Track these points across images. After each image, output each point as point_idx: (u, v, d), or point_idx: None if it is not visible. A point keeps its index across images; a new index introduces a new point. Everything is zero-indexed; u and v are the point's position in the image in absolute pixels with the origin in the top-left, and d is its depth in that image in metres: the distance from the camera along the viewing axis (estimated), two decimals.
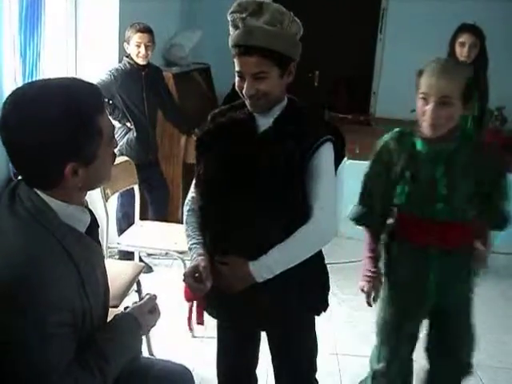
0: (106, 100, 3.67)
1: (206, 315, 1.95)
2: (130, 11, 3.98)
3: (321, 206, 1.72)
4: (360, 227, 2.22)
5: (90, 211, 1.53)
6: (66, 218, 1.39)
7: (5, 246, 1.33)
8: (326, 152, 1.75)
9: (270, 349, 2.00)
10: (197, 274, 1.74)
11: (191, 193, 1.95)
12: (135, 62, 3.70)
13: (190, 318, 1.93)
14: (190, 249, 1.85)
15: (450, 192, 2.01)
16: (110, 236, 3.20)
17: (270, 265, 1.70)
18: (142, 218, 3.63)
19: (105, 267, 1.59)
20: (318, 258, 1.89)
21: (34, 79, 3.16)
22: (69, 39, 3.85)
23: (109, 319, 1.60)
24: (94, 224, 1.54)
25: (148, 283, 3.26)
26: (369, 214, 2.20)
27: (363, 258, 2.29)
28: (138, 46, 3.64)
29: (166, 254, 3.34)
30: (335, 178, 1.79)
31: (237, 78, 1.75)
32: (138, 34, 3.62)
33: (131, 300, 2.71)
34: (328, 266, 1.97)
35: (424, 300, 2.17)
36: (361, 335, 3.39)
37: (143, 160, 3.82)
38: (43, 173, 1.35)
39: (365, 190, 2.17)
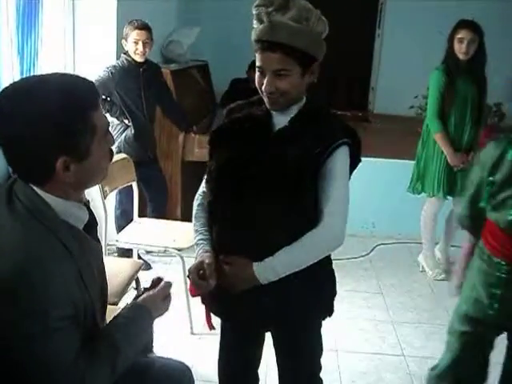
0: (104, 97, 3.67)
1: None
2: (127, 8, 3.97)
3: (332, 211, 1.68)
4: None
5: (89, 209, 1.53)
6: (64, 215, 1.39)
7: (4, 242, 1.33)
8: (342, 155, 1.71)
9: (275, 348, 1.98)
10: (201, 271, 1.73)
11: (202, 187, 1.93)
12: (133, 59, 3.69)
13: (208, 316, 1.92)
14: (196, 244, 1.83)
15: None
16: (108, 233, 3.20)
17: (274, 267, 1.68)
18: (140, 216, 3.63)
19: (103, 265, 1.59)
20: (326, 262, 1.87)
21: None
22: (66, 36, 3.84)
23: (107, 318, 1.60)
24: (92, 222, 1.53)
25: (147, 280, 3.25)
26: (464, 216, 2.17)
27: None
28: (136, 43, 3.63)
29: (165, 251, 3.34)
30: (348, 182, 1.75)
31: (257, 73, 1.72)
32: (136, 31, 3.61)
33: (130, 297, 2.73)
34: None
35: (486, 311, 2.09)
36: (360, 332, 3.40)
37: (142, 157, 3.82)
38: (34, 166, 1.35)
39: (464, 192, 2.17)
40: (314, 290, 1.83)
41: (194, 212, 1.92)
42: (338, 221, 1.70)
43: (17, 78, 3.01)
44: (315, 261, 1.72)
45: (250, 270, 1.68)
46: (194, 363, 2.62)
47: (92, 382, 1.36)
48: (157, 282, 1.65)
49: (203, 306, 1.94)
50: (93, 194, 2.84)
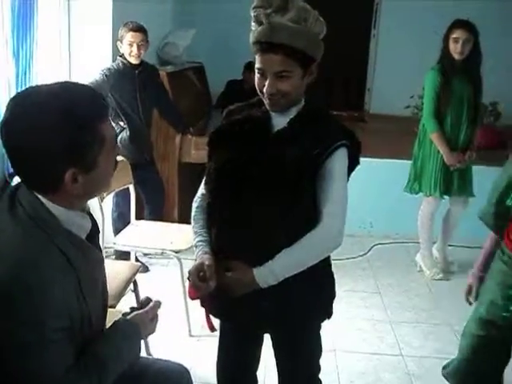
0: None
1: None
2: (123, 10, 3.97)
3: (330, 212, 1.68)
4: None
5: (92, 217, 1.52)
6: (67, 224, 1.39)
7: (3, 248, 1.32)
8: (341, 157, 1.71)
9: (274, 350, 1.98)
10: (201, 273, 1.72)
11: (201, 189, 1.92)
12: (128, 62, 3.68)
13: (208, 317, 1.91)
14: (195, 246, 1.82)
15: None
16: (105, 236, 3.19)
17: (274, 271, 1.68)
18: (137, 218, 3.63)
19: (105, 273, 1.59)
20: (326, 264, 1.87)
21: (27, 80, 3.15)
22: (62, 39, 3.83)
23: (107, 319, 1.60)
24: (94, 230, 1.53)
25: (144, 283, 3.25)
26: (489, 214, 2.14)
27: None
28: (131, 45, 3.63)
29: (162, 253, 3.33)
30: (346, 183, 1.75)
31: (257, 75, 1.72)
32: (131, 33, 3.61)
33: (128, 300, 2.73)
34: None
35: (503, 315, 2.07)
36: (358, 332, 3.40)
37: (138, 159, 3.81)
38: (42, 178, 1.34)
39: (492, 189, 2.14)
40: (314, 292, 1.83)
41: (192, 214, 1.92)
42: (337, 222, 1.70)
43: (12, 81, 3.00)
44: (315, 262, 1.72)
45: (251, 275, 1.68)
46: (193, 365, 2.61)
47: None
48: (145, 302, 1.64)
49: (202, 308, 1.93)
50: None
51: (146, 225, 3.65)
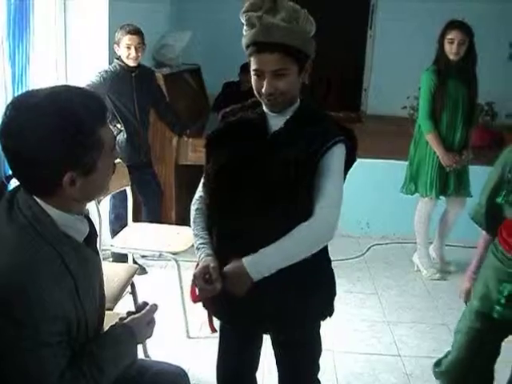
0: None
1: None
2: (119, 13, 3.97)
3: (323, 205, 1.68)
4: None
5: (90, 221, 1.52)
6: (65, 228, 1.39)
7: (1, 251, 1.32)
8: (337, 152, 1.72)
9: (274, 349, 1.98)
10: (207, 275, 1.71)
11: (199, 192, 1.93)
12: (125, 64, 3.69)
13: (210, 319, 1.91)
14: (197, 248, 1.81)
15: None
16: (103, 238, 3.19)
17: (264, 260, 1.66)
18: (134, 220, 3.63)
19: (102, 277, 1.59)
20: (326, 262, 1.88)
21: (23, 83, 3.15)
22: (58, 42, 3.83)
23: (105, 322, 1.60)
24: (92, 233, 1.53)
25: (142, 285, 3.25)
26: (480, 213, 2.18)
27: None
28: (128, 48, 3.64)
29: (160, 255, 3.34)
30: (342, 179, 1.76)
31: (253, 77, 1.73)
32: (128, 36, 3.62)
33: (125, 302, 2.73)
34: None
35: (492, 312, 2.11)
36: (356, 332, 3.41)
37: (135, 161, 3.82)
38: (41, 181, 1.34)
39: (482, 189, 2.17)
40: (314, 291, 1.83)
41: (192, 216, 1.91)
42: (328, 214, 1.70)
43: (8, 84, 3.00)
44: (307, 253, 1.70)
45: (240, 264, 1.66)
46: (191, 367, 2.62)
47: None
48: (142, 306, 1.64)
49: (202, 310, 1.94)
50: None
51: (144, 227, 3.65)
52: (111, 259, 3.89)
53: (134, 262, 3.78)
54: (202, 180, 1.89)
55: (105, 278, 1.63)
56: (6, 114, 1.32)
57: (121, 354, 1.50)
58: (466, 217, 2.33)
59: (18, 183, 1.41)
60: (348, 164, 1.78)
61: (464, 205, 3.98)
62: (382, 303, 3.79)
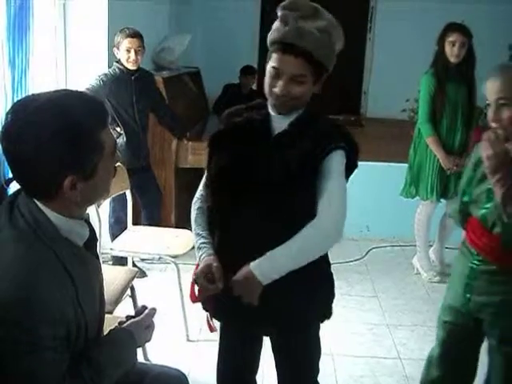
0: None
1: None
2: (118, 16, 3.98)
3: (326, 207, 1.68)
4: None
5: (90, 225, 1.53)
6: (65, 232, 1.39)
7: (2, 256, 1.32)
8: (338, 157, 1.72)
9: (274, 352, 1.98)
10: (209, 275, 1.71)
11: (200, 191, 1.93)
12: (125, 67, 3.69)
13: (209, 319, 1.92)
14: (198, 248, 1.81)
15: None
16: (102, 242, 3.19)
17: (271, 264, 1.65)
18: (134, 223, 3.63)
19: (102, 281, 1.59)
20: (325, 264, 1.88)
21: (23, 87, 3.15)
22: (58, 45, 3.84)
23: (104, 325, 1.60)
24: (92, 238, 1.53)
25: (142, 288, 3.25)
26: (455, 212, 2.21)
27: None
28: (128, 51, 3.64)
29: (160, 258, 3.34)
30: (345, 180, 1.76)
31: (269, 74, 1.72)
32: (128, 39, 3.62)
33: (125, 305, 2.73)
34: None
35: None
36: (356, 335, 3.40)
37: (135, 165, 3.81)
38: (41, 184, 1.34)
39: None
40: (313, 292, 1.83)
41: (193, 216, 1.91)
42: (332, 215, 1.69)
43: (8, 87, 3.00)
44: (314, 255, 1.70)
45: (248, 269, 1.66)
46: (191, 370, 2.62)
47: None
48: (141, 310, 1.64)
49: (201, 312, 1.94)
50: None
51: (143, 230, 3.65)
52: (111, 262, 3.89)
53: (134, 265, 3.78)
54: (204, 179, 1.89)
55: (104, 282, 1.63)
56: (7, 117, 1.32)
57: (120, 358, 1.50)
58: None
59: (18, 187, 1.41)
60: (349, 170, 1.78)
61: None
62: (381, 306, 3.79)
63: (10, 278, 1.29)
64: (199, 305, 1.88)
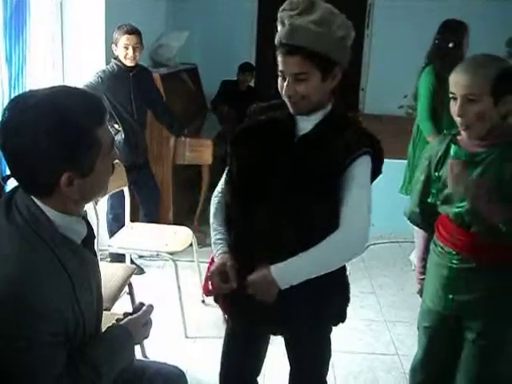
0: None
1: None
2: (116, 13, 3.97)
3: (351, 216, 1.65)
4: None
5: (88, 222, 1.53)
6: (63, 229, 1.39)
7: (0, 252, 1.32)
8: (363, 164, 1.70)
9: (286, 349, 1.98)
10: (223, 273, 1.71)
11: (220, 185, 1.90)
12: (123, 64, 3.68)
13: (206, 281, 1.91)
14: (214, 243, 1.81)
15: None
16: (100, 239, 3.19)
17: (292, 270, 1.64)
18: (132, 220, 3.63)
19: (99, 278, 1.59)
20: (341, 268, 1.84)
21: (20, 84, 3.15)
22: (55, 42, 3.83)
23: (102, 322, 1.60)
24: (90, 235, 1.53)
25: (140, 285, 3.25)
26: (415, 213, 2.18)
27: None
28: (126, 48, 3.63)
29: (158, 255, 3.34)
30: (370, 190, 1.74)
31: (279, 78, 1.71)
32: (126, 36, 3.61)
33: (123, 302, 2.73)
34: None
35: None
36: (354, 332, 3.41)
37: (132, 162, 3.81)
38: (39, 181, 1.34)
39: (412, 190, 2.18)
40: (327, 296, 1.81)
41: (212, 210, 1.89)
42: (357, 225, 1.67)
43: (5, 84, 3.00)
44: (336, 265, 1.70)
45: (268, 273, 1.63)
46: (189, 367, 2.62)
47: None
48: (139, 307, 1.64)
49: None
50: None
51: (141, 227, 3.65)
52: (109, 259, 3.89)
53: (132, 262, 3.79)
54: (224, 175, 1.87)
55: (102, 279, 1.63)
56: (4, 113, 1.32)
57: (118, 355, 1.50)
58: None
59: (15, 184, 1.41)
60: (373, 176, 1.77)
61: None
62: (379, 302, 3.80)
63: (6, 273, 1.28)
64: (198, 302, 1.88)
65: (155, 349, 2.93)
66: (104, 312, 1.67)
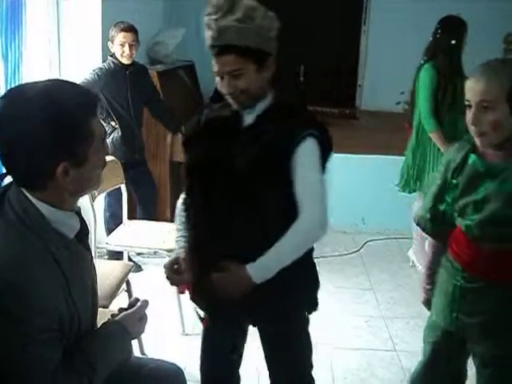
0: None
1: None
2: (112, 10, 3.96)
3: (307, 203, 1.71)
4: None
5: (81, 217, 1.53)
6: (55, 223, 1.39)
7: None
8: (309, 147, 1.73)
9: (263, 346, 1.99)
10: (176, 266, 1.80)
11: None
12: (119, 62, 3.68)
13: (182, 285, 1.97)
14: (176, 241, 1.91)
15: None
16: (98, 236, 3.19)
17: (268, 265, 1.71)
18: (129, 218, 3.62)
19: (94, 273, 1.59)
20: (306, 253, 1.86)
21: (16, 81, 3.14)
22: (51, 39, 3.82)
23: (98, 320, 1.60)
24: (83, 230, 1.54)
25: (138, 282, 3.25)
26: (424, 219, 2.07)
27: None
28: (123, 46, 3.62)
29: (155, 252, 3.34)
30: (321, 172, 1.77)
31: (217, 78, 1.78)
32: (122, 33, 3.60)
33: (121, 300, 2.73)
34: (317, 259, 1.96)
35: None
36: (352, 328, 3.41)
37: (129, 159, 3.81)
38: (34, 172, 1.35)
39: (426, 195, 2.09)
40: (296, 280, 1.82)
41: (176, 211, 1.99)
42: (315, 211, 1.72)
43: (1, 81, 2.99)
44: (303, 251, 1.75)
45: (244, 271, 1.68)
46: (187, 364, 2.61)
47: None
48: (134, 302, 1.65)
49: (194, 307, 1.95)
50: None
51: (139, 224, 3.65)
52: (106, 257, 3.89)
53: (130, 259, 3.78)
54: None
55: (100, 276, 1.63)
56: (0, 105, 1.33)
57: (113, 350, 1.51)
58: None
59: (10, 181, 1.41)
60: (324, 157, 1.79)
61: None
62: (377, 298, 3.80)
63: None
64: (187, 294, 1.91)
65: (153, 346, 2.93)
66: (102, 309, 1.67)
